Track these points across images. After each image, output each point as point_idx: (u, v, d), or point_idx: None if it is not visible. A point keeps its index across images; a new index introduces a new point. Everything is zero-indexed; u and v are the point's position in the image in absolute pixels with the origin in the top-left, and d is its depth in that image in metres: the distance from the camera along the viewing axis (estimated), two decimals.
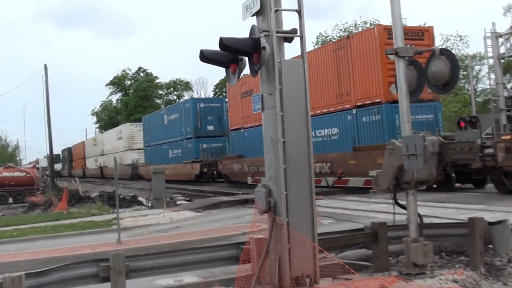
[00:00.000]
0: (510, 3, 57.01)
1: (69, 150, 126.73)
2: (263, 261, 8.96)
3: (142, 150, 71.13)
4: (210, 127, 52.62)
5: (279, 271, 8.73)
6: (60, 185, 55.61)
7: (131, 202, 36.95)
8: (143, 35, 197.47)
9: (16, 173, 49.05)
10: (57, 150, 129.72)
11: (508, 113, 27.22)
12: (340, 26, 74.04)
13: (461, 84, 63.68)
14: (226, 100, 50.17)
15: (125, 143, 76.28)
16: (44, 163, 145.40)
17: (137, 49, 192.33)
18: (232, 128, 45.86)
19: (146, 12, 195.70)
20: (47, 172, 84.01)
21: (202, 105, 53.05)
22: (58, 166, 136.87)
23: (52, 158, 60.41)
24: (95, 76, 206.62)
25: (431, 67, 10.30)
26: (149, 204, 33.47)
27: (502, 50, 31.02)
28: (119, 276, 9.17)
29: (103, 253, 13.80)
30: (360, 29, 65.97)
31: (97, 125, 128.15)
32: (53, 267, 9.05)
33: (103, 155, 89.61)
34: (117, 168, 18.80)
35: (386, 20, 31.57)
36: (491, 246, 11.02)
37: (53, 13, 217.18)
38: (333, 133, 31.29)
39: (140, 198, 38.48)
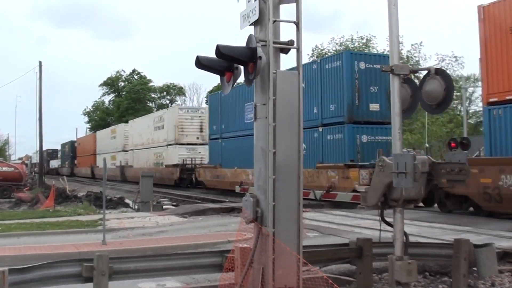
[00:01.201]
0: None
1: (71, 145, 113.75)
2: (247, 271, 8.94)
3: (195, 146, 56.35)
4: None
5: (262, 281, 8.70)
6: (48, 183, 55.45)
7: (118, 203, 36.91)
8: (139, 37, 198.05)
9: (4, 168, 48.88)
10: (47, 147, 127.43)
11: None
12: (336, 40, 74.22)
13: (454, 105, 63.91)
14: None
15: (169, 135, 57.97)
16: (34, 158, 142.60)
17: (133, 51, 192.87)
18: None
19: (143, 15, 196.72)
20: (35, 169, 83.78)
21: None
22: (55, 163, 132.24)
23: (42, 155, 60.04)
24: (89, 76, 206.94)
25: (425, 86, 10.33)
26: (136, 207, 33.39)
27: None
28: (102, 277, 9.14)
29: (87, 253, 13.78)
30: (356, 44, 66.22)
31: (88, 125, 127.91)
32: (36, 264, 9.02)
33: (126, 151, 74.97)
34: (106, 168, 18.81)
35: (382, 35, 31.61)
36: (475, 268, 11.05)
37: (50, 10, 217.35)
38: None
39: (127, 200, 38.41)
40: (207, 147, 51.38)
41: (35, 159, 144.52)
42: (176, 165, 54.04)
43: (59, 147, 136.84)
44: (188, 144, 56.30)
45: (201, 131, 56.69)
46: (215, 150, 46.60)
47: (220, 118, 45.18)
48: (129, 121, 77.39)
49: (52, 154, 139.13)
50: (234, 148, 41.44)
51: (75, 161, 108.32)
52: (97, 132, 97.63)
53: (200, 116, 57.34)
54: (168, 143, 58.13)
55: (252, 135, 9.31)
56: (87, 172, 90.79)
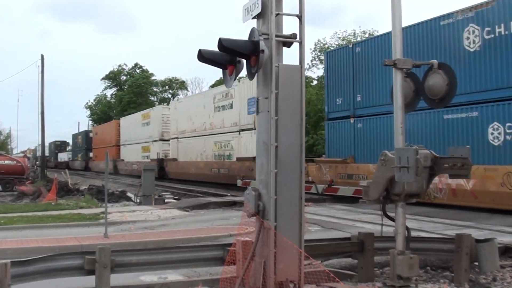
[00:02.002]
0: None
1: (85, 136, 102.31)
2: (249, 264, 8.95)
3: None
4: None
5: (264, 275, 8.71)
6: (50, 176, 55.49)
7: (120, 197, 36.86)
8: (142, 31, 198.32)
9: (6, 161, 48.98)
10: (49, 141, 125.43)
11: None
12: (338, 34, 74.04)
13: None
14: None
15: (242, 117, 42.46)
16: (38, 151, 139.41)
17: (135, 45, 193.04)
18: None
19: (146, 8, 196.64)
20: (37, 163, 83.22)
21: None
22: (64, 156, 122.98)
23: (44, 148, 60.01)
24: (91, 70, 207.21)
25: (428, 81, 10.30)
26: (138, 201, 33.42)
27: None
28: (104, 270, 9.16)
29: (89, 246, 13.82)
30: (358, 39, 66.07)
31: (90, 119, 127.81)
32: (39, 257, 9.05)
33: (166, 141, 60.11)
34: (108, 161, 18.80)
35: (386, 30, 31.37)
36: (476, 263, 11.05)
37: (53, 4, 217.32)
38: None
39: (129, 194, 38.39)
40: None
41: (39, 152, 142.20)
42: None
43: (64, 139, 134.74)
44: None
45: None
46: (339, 135, 32.78)
47: (352, 85, 31.50)
48: (172, 102, 65.24)
49: (61, 146, 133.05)
50: (379, 132, 29.23)
51: (90, 154, 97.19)
52: (122, 118, 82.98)
53: None
54: (242, 128, 42.85)
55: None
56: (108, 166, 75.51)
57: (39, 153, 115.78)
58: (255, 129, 32.44)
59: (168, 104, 76.02)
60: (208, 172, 47.82)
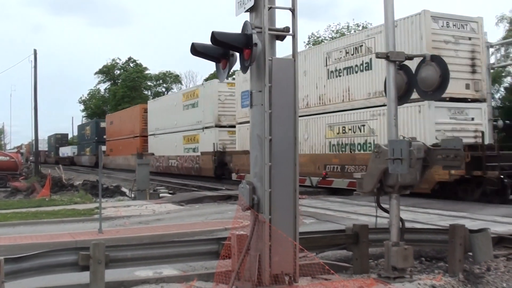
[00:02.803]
0: (503, 13, 56.94)
1: (95, 126, 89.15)
2: (244, 258, 8.97)
3: (462, 105, 26.25)
4: None
5: (259, 268, 8.73)
6: (44, 172, 55.40)
7: (114, 192, 36.86)
8: (136, 25, 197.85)
9: None
10: (42, 136, 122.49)
11: (495, 123, 27.34)
12: (332, 28, 74.05)
13: None
14: None
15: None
16: (39, 146, 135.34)
17: (129, 39, 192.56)
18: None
19: (140, 2, 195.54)
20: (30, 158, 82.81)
21: None
22: (67, 150, 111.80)
23: (37, 143, 59.87)
24: (84, 64, 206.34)
25: (421, 73, 10.33)
26: (132, 195, 33.40)
27: (492, 60, 31.07)
28: (98, 265, 9.15)
29: (83, 242, 13.79)
30: (352, 31, 66.02)
31: (84, 113, 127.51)
32: (33, 254, 9.03)
33: (224, 127, 46.16)
34: (101, 155, 18.78)
35: (379, 23, 31.30)
36: (470, 253, 11.09)
37: None
38: None
39: (123, 189, 38.39)
40: (483, 106, 27.00)
41: (39, 146, 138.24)
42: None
43: (64, 133, 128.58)
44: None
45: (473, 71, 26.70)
46: None
47: None
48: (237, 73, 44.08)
49: (62, 139, 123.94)
50: None
51: (103, 147, 73.39)
52: (150, 102, 69.00)
53: (470, 39, 26.70)
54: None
55: None
56: (129, 163, 61.10)
57: (40, 147, 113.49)
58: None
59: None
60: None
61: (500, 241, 12.93)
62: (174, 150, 53.88)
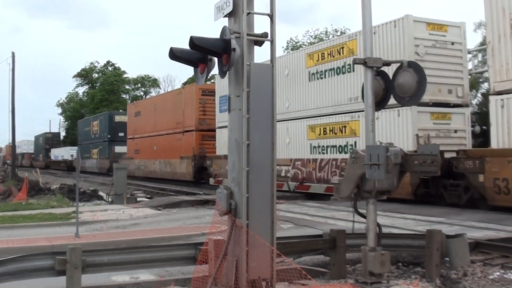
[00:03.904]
0: (481, 19, 57.26)
1: (107, 120, 71.36)
2: (221, 263, 8.96)
3: None
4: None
5: (236, 273, 8.72)
6: (21, 175, 55.06)
7: (91, 196, 36.77)
8: (115, 28, 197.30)
9: None
10: (27, 137, 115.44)
11: (472, 128, 27.48)
12: (311, 33, 74.28)
13: None
14: None
15: None
16: (23, 148, 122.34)
17: (108, 42, 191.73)
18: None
19: (120, 5, 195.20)
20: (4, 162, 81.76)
21: None
22: (61, 153, 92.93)
23: (14, 147, 59.44)
24: (63, 67, 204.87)
25: (398, 79, 10.38)
26: (110, 199, 33.27)
27: (469, 66, 31.29)
28: (75, 270, 9.10)
29: (60, 246, 13.71)
30: (330, 37, 66.26)
31: (61, 116, 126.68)
32: (9, 258, 8.97)
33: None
34: (79, 157, 18.70)
35: (358, 28, 31.63)
36: (447, 258, 11.15)
37: (25, 0, 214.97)
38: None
39: (100, 193, 38.24)
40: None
41: (23, 148, 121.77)
42: None
43: (32, 138, 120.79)
44: None
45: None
46: None
47: None
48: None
49: (53, 139, 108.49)
50: None
51: (121, 149, 66.42)
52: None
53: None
54: None
55: None
56: (175, 169, 47.47)
57: (22, 150, 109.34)
58: None
59: None
60: None
61: (477, 246, 13.05)
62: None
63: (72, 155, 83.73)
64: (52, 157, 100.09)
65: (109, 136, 69.97)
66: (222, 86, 38.95)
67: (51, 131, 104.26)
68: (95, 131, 76.22)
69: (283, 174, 33.13)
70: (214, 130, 42.32)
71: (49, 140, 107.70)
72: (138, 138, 58.68)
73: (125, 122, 65.14)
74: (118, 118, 70.32)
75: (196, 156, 43.97)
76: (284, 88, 33.47)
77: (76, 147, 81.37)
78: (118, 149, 66.98)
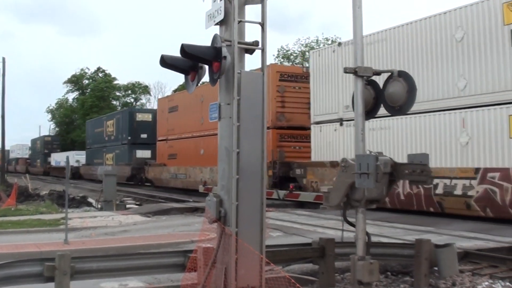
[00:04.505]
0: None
1: (127, 118, 59.86)
2: (210, 271, 8.95)
3: None
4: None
5: (225, 281, 8.72)
6: (10, 181, 54.87)
7: (81, 202, 36.63)
8: (106, 35, 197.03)
9: None
10: (21, 141, 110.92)
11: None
12: (301, 41, 74.36)
13: None
14: None
15: None
16: (17, 153, 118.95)
17: (99, 48, 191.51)
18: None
19: (111, 11, 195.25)
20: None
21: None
22: (62, 158, 74.00)
23: (4, 152, 59.25)
24: (53, 73, 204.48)
25: (388, 88, 10.39)
26: (99, 206, 33.20)
27: None
28: (64, 276, 9.07)
29: (49, 253, 13.64)
30: (321, 45, 66.38)
31: (52, 123, 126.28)
32: None
33: None
34: (68, 165, 18.64)
35: (349, 37, 31.63)
36: (436, 268, 11.18)
37: (16, 5, 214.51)
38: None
39: (90, 199, 38.14)
40: None
41: (17, 152, 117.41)
42: None
43: (27, 143, 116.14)
44: None
45: None
46: None
47: None
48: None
49: (52, 143, 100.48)
50: None
51: (143, 153, 57.22)
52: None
53: None
54: None
55: None
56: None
57: (15, 154, 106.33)
58: None
59: None
60: None
61: (466, 256, 13.07)
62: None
63: (78, 161, 74.63)
64: (53, 163, 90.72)
65: (129, 138, 58.54)
66: None
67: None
68: (110, 132, 64.68)
69: (457, 191, 22.59)
70: (295, 128, 34.45)
71: (48, 144, 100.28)
72: (174, 139, 47.33)
73: (149, 121, 57.24)
74: (140, 117, 59.26)
75: (278, 162, 33.37)
76: (455, 59, 23.40)
77: (83, 152, 77.36)
78: (140, 153, 57.11)
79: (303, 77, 34.58)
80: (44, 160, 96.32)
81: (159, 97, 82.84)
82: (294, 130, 34.52)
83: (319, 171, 30.12)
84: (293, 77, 35.22)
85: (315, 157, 31.34)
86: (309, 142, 32.16)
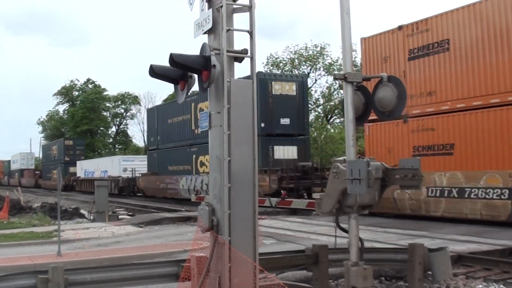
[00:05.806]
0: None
1: (261, 90, 33.59)
2: (203, 280, 8.93)
3: None
4: None
5: None
6: (1, 194, 54.66)
7: (73, 214, 36.49)
8: (95, 45, 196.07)
9: None
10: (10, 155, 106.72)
11: None
12: (290, 48, 74.36)
13: None
14: None
15: None
16: (20, 163, 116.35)
17: (89, 59, 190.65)
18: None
19: (100, 23, 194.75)
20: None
21: None
22: (98, 167, 66.31)
23: None
24: (43, 84, 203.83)
25: (378, 94, 10.42)
26: (91, 217, 33.12)
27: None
28: None
29: (42, 265, 13.58)
30: (310, 52, 66.47)
31: (42, 135, 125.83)
32: None
33: None
34: (60, 175, 18.59)
35: (337, 43, 31.78)
36: (430, 272, 11.19)
37: (6, 17, 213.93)
38: None
39: (82, 211, 38.02)
40: None
41: (20, 163, 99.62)
42: None
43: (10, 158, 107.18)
44: None
45: None
46: None
47: None
48: None
49: (75, 148, 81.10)
50: None
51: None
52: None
53: None
54: None
55: None
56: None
57: (17, 165, 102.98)
58: None
59: None
60: None
61: (459, 259, 13.11)
62: None
63: (125, 169, 57.98)
64: (80, 174, 72.75)
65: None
66: None
67: (31, 149, 76.51)
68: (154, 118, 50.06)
69: None
70: None
71: (70, 150, 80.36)
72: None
73: (286, 95, 36.55)
74: (276, 89, 36.47)
75: None
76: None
77: (133, 157, 62.75)
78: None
79: None
80: (65, 171, 72.28)
81: (150, 107, 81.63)
82: None
83: None
84: None
85: None
86: None
